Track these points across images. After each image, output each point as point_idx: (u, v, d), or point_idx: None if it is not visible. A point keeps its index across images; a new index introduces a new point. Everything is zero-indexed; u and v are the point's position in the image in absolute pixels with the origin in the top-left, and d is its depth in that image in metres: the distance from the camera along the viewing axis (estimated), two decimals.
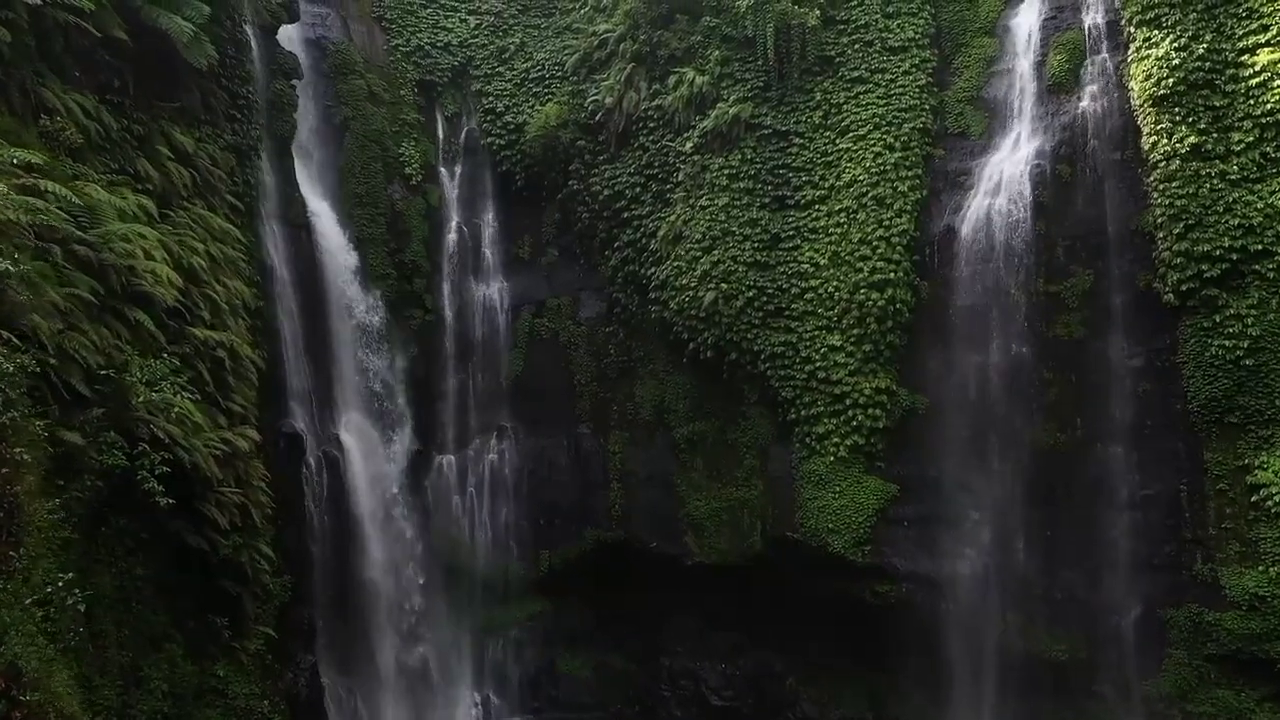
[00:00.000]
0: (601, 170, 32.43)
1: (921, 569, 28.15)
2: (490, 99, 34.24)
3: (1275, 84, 23.92)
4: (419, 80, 33.72)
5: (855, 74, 29.78)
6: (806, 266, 29.19)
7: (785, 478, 29.48)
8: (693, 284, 29.85)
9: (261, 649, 21.38)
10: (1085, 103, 26.92)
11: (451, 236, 33.83)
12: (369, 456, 29.32)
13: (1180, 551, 25.46)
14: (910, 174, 28.63)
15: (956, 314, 28.19)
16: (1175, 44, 25.06)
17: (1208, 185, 24.58)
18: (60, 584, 11.87)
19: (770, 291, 29.40)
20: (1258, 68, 24.14)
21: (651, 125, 31.61)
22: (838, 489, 28.45)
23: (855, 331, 28.41)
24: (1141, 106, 25.65)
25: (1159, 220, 25.21)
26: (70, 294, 15.41)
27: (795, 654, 31.09)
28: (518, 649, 32.69)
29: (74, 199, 15.94)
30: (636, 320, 32.38)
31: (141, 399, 16.08)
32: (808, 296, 29.07)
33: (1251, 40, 24.35)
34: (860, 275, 28.35)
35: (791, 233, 29.58)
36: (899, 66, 29.50)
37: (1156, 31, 25.49)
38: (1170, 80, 24.99)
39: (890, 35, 29.66)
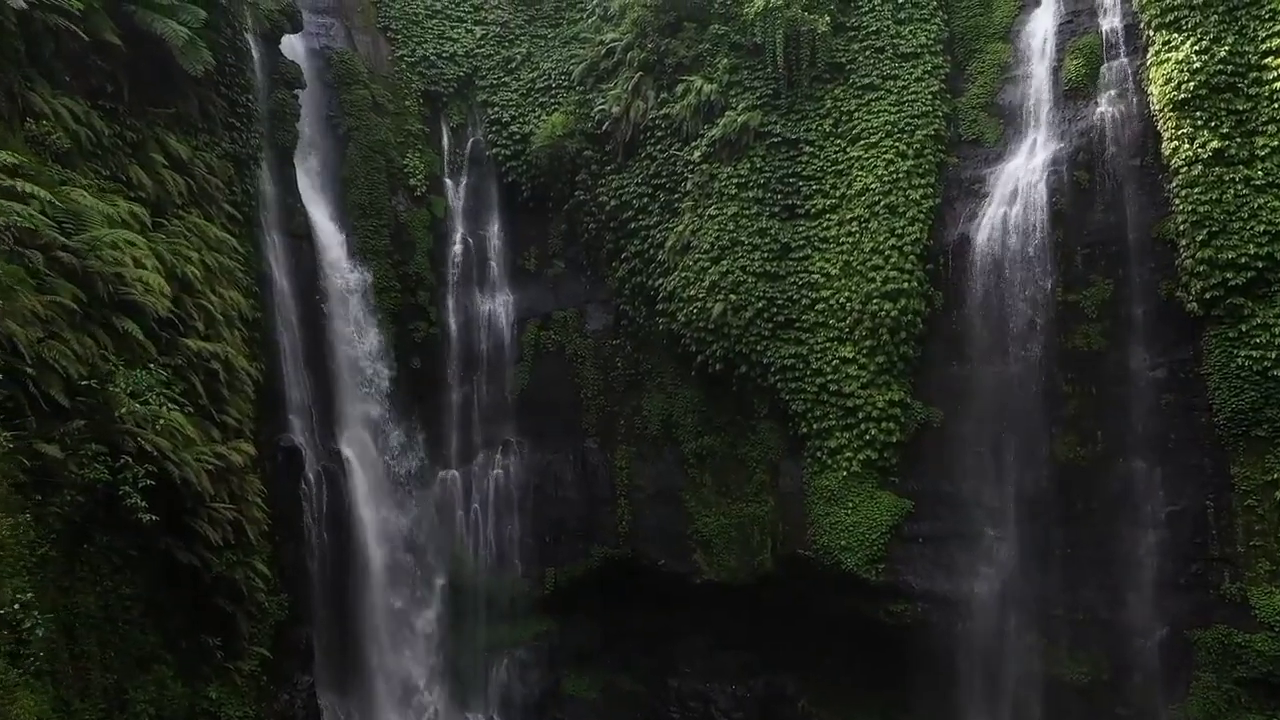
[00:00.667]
0: (608, 180, 31.99)
1: (937, 588, 27.49)
2: (496, 109, 33.88)
3: None
4: (424, 91, 33.44)
5: (866, 81, 29.33)
6: (817, 277, 28.63)
7: (796, 493, 28.85)
8: (701, 295, 29.30)
9: (256, 669, 20.87)
10: (1103, 108, 26.34)
11: (456, 248, 33.38)
12: (370, 471, 28.82)
13: (1207, 570, 24.66)
14: (923, 182, 28.12)
15: (971, 324, 27.59)
16: (1196, 47, 24.53)
17: (1231, 191, 23.96)
18: (17, 605, 11.23)
19: (780, 302, 28.85)
20: None
21: (659, 134, 31.17)
22: (850, 505, 27.81)
23: (868, 343, 27.81)
24: (1161, 111, 25.07)
25: (1181, 227, 24.55)
26: (52, 301, 14.89)
27: (808, 675, 30.45)
28: (522, 669, 32.00)
29: (58, 204, 15.46)
30: (644, 332, 31.83)
31: (125, 410, 15.50)
32: (819, 307, 28.51)
33: (1275, 42, 23.79)
34: (872, 285, 27.76)
35: (802, 242, 29.05)
36: (911, 73, 29.05)
37: (1176, 34, 24.96)
38: (1191, 84, 24.46)
39: (902, 41, 29.25)
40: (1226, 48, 24.20)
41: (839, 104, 29.40)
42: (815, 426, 28.32)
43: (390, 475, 30.02)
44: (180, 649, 18.45)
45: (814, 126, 29.50)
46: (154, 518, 15.58)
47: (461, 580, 31.78)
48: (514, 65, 34.14)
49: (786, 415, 28.93)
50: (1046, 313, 26.51)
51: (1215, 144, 24.05)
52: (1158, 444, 25.35)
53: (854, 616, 28.52)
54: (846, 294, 28.14)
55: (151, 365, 17.00)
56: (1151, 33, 25.44)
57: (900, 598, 27.69)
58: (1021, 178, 27.15)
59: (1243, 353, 23.81)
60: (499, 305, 33.54)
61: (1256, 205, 23.65)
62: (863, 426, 27.74)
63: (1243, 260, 23.69)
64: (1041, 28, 28.19)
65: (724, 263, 29.19)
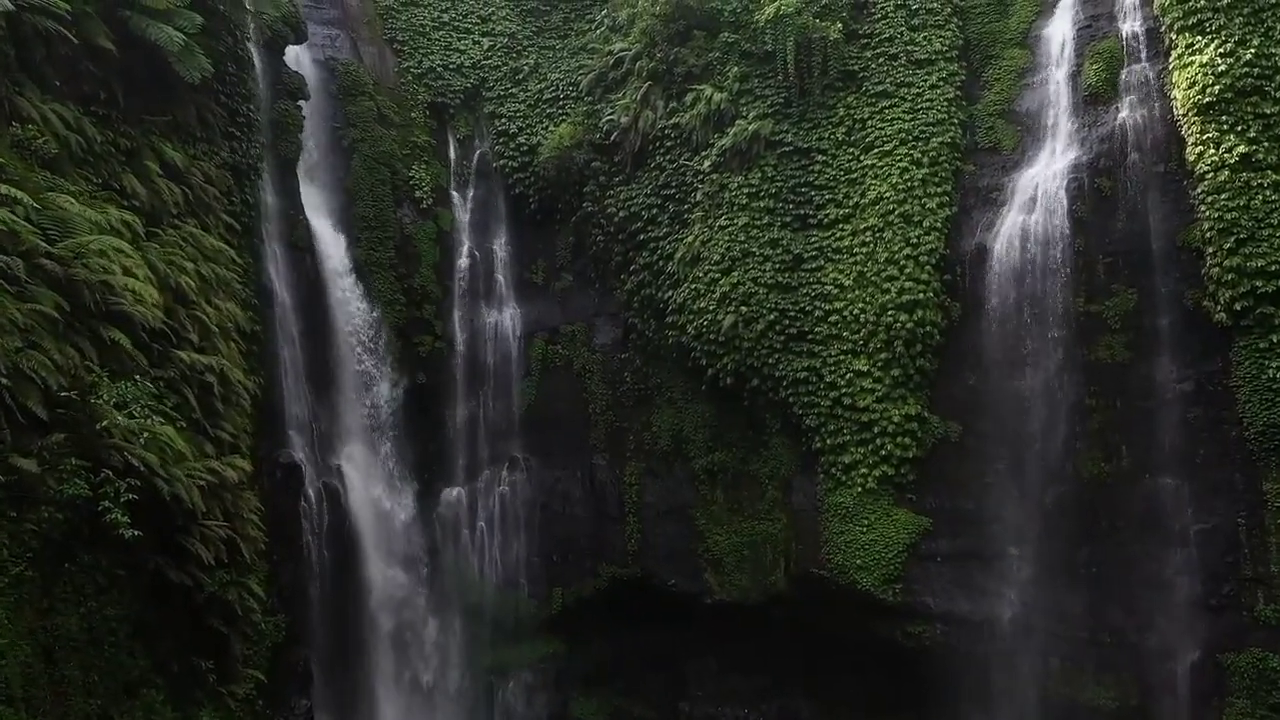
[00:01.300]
0: (617, 191, 31.45)
1: (957, 609, 26.63)
2: (503, 120, 33.47)
3: None
4: (430, 102, 33.12)
5: (880, 88, 28.75)
6: (830, 288, 27.96)
7: (810, 510, 28.08)
8: (711, 307, 28.67)
9: (252, 693, 20.29)
10: (1124, 113, 25.66)
11: (463, 261, 32.90)
12: (373, 488, 28.28)
13: (1240, 591, 23.69)
14: (939, 190, 27.48)
15: (990, 336, 26.81)
16: (1220, 49, 23.87)
17: (1260, 197, 23.21)
18: None
19: (792, 314, 28.16)
20: None
21: (668, 144, 30.64)
22: (866, 522, 27.02)
23: (883, 355, 27.07)
24: (1185, 116, 24.36)
25: (1208, 235, 23.77)
26: (33, 309, 14.34)
27: (822, 698, 29.57)
28: (529, 692, 31.25)
29: (43, 210, 14.95)
30: (653, 346, 31.17)
31: (108, 423, 14.91)
32: (832, 319, 27.81)
33: None
34: (887, 296, 27.05)
35: (814, 253, 28.40)
36: (925, 80, 28.48)
37: (1200, 37, 24.27)
38: (1216, 87, 23.77)
39: (916, 48, 28.71)
40: (1252, 50, 23.53)
41: (852, 112, 28.81)
42: (829, 442, 27.56)
43: (394, 492, 29.39)
44: (171, 672, 17.81)
45: (826, 135, 28.91)
46: (137, 534, 14.92)
47: (467, 600, 31.16)
48: (521, 76, 33.76)
49: (799, 430, 28.19)
50: (1068, 324, 25.72)
51: (1242, 148, 23.31)
52: (1186, 459, 24.45)
53: (870, 638, 27.70)
54: (860, 305, 27.45)
55: (139, 377, 16.42)
56: (1174, 36, 24.79)
57: (918, 619, 26.85)
58: (1040, 185, 26.45)
59: (1274, 364, 22.97)
60: (506, 319, 33.00)
61: None
62: (878, 441, 26.98)
63: (1273, 268, 22.88)
64: (1059, 32, 27.58)
65: (735, 274, 28.56)
